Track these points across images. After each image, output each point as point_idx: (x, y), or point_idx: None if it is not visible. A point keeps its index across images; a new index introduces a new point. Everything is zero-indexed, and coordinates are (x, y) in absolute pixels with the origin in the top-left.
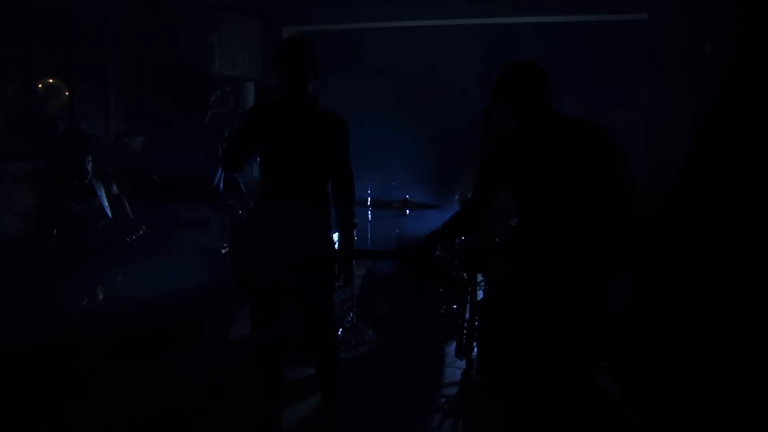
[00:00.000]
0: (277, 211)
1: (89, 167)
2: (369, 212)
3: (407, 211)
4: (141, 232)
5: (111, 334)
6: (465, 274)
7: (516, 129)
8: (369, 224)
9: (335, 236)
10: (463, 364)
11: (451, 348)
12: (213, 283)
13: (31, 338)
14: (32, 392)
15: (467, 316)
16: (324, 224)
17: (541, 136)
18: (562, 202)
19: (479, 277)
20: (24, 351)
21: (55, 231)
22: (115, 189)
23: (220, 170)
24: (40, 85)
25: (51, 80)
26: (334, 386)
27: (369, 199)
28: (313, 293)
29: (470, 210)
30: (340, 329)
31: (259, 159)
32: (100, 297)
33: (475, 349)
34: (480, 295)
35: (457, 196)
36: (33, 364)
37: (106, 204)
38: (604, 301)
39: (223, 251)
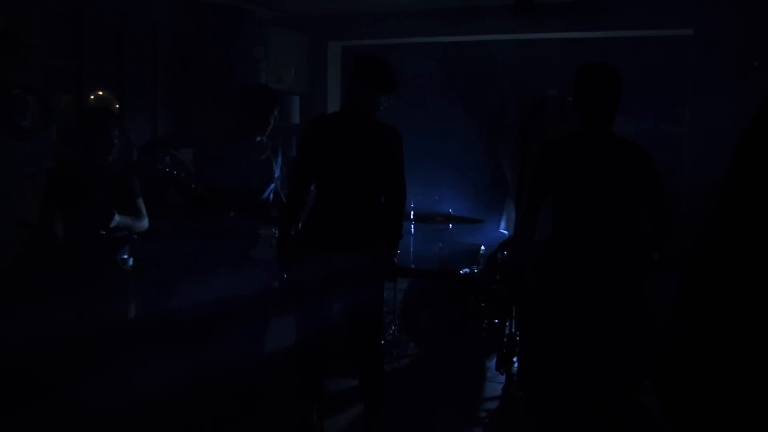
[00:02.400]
0: (331, 222)
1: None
2: (412, 226)
3: (450, 225)
4: None
5: (156, 344)
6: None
7: (566, 136)
8: (411, 237)
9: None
10: (504, 378)
11: (493, 362)
12: (258, 293)
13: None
14: (68, 399)
15: (508, 330)
16: (377, 236)
17: (590, 149)
18: (598, 217)
19: None
20: (62, 357)
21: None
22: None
23: (272, 185)
24: (91, 97)
25: (102, 93)
26: (378, 397)
27: (412, 212)
28: (362, 304)
29: (533, 220)
30: (382, 342)
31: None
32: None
33: (516, 364)
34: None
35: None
36: (70, 371)
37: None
38: (647, 318)
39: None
